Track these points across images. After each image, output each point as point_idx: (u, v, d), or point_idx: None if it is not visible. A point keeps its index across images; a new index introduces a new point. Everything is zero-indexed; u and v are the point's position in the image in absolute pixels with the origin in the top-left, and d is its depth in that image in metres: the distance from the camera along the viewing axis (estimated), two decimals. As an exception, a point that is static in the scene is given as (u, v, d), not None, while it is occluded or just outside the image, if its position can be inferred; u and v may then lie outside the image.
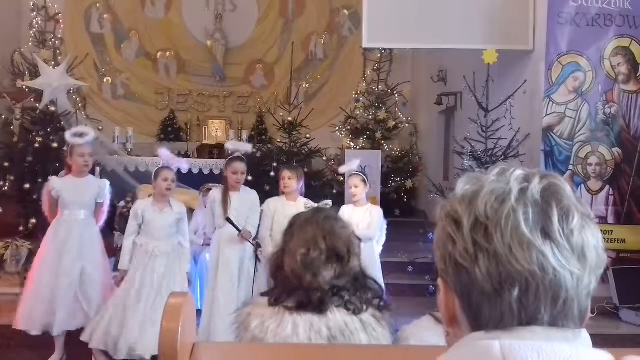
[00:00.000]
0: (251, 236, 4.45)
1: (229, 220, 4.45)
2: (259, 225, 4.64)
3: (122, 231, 6.21)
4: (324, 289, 1.68)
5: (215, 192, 4.69)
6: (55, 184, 4.46)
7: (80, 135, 4.53)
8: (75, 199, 4.43)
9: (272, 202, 4.63)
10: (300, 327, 1.66)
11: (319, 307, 1.68)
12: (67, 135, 4.57)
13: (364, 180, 4.71)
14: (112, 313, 4.23)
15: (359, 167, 4.99)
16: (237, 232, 4.41)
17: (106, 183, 4.71)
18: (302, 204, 4.36)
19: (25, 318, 4.35)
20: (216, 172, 7.89)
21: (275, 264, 1.81)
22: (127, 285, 4.27)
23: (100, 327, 4.22)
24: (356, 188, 4.66)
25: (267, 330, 1.67)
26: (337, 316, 1.69)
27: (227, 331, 4.22)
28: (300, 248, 1.74)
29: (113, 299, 4.32)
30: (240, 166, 4.56)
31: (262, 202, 4.74)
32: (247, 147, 4.89)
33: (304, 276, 1.70)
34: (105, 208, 4.72)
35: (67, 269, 4.36)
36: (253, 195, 4.69)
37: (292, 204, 4.47)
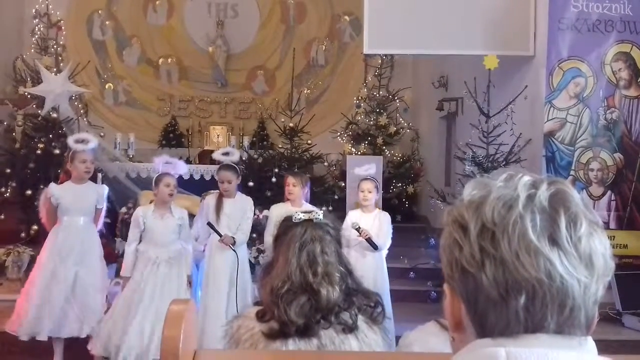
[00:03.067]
0: (233, 242, 4.43)
1: (209, 225, 4.47)
2: (261, 233, 4.64)
3: (124, 237, 6.19)
4: (297, 322, 1.67)
5: (210, 198, 4.69)
6: (55, 190, 4.43)
7: (83, 141, 4.52)
8: (76, 205, 4.42)
9: (277, 209, 4.63)
10: (290, 345, 1.65)
11: (305, 333, 1.68)
12: (70, 141, 4.54)
13: (376, 186, 4.70)
14: (115, 319, 4.23)
15: (375, 172, 4.96)
16: (219, 237, 4.42)
17: (105, 189, 4.70)
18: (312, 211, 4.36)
19: (14, 322, 4.34)
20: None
21: (262, 278, 1.81)
22: (130, 292, 4.26)
23: (103, 334, 4.21)
24: (369, 193, 4.64)
25: (257, 345, 1.66)
26: (327, 332, 1.68)
27: (217, 338, 4.22)
28: (276, 279, 1.74)
29: (114, 305, 4.31)
30: (225, 175, 4.56)
31: (265, 207, 4.73)
32: (233, 157, 4.78)
33: (276, 308, 1.70)
34: (103, 213, 4.71)
35: (61, 274, 4.34)
36: (246, 201, 4.68)
37: (300, 211, 4.46)
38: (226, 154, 4.82)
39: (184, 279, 4.37)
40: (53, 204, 4.41)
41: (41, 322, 4.29)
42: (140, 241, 4.36)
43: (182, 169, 4.71)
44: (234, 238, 4.44)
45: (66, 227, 4.41)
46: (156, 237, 4.31)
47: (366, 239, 4.43)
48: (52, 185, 4.55)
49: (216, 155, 4.89)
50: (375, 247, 4.46)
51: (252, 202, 4.71)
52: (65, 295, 4.34)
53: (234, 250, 4.42)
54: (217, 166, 8.07)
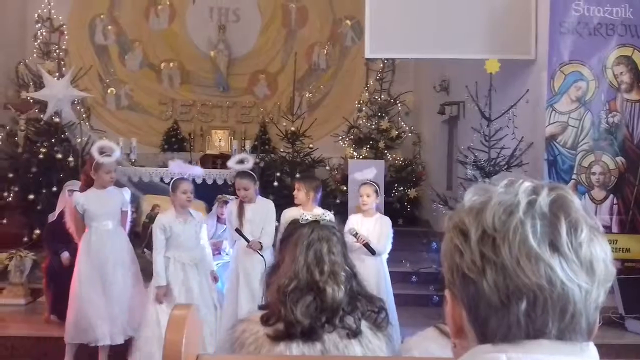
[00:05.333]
0: (260, 247, 4.45)
1: (238, 231, 4.50)
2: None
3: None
4: (302, 322, 1.67)
5: (232, 205, 4.74)
6: (79, 199, 4.47)
7: (106, 151, 4.54)
8: (102, 211, 4.46)
9: (289, 212, 4.65)
10: (294, 349, 1.66)
11: (309, 336, 1.68)
12: (94, 152, 4.54)
13: (376, 191, 4.69)
14: (152, 330, 4.22)
15: (373, 177, 4.95)
16: (247, 242, 4.45)
17: (128, 191, 4.77)
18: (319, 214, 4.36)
19: (75, 332, 4.33)
20: (219, 182, 7.89)
21: (267, 281, 1.82)
22: (167, 301, 4.23)
23: (145, 347, 4.19)
24: (368, 197, 4.63)
25: (261, 348, 1.67)
26: (330, 337, 1.68)
27: None
28: (283, 278, 1.75)
29: (148, 315, 4.28)
30: (241, 183, 4.59)
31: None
32: (248, 165, 4.77)
33: (282, 308, 1.70)
34: (129, 216, 4.79)
35: (101, 280, 4.37)
36: (268, 205, 4.70)
37: (307, 213, 4.46)
38: (241, 161, 4.84)
39: (209, 278, 4.45)
40: (79, 212, 4.44)
41: (94, 330, 4.29)
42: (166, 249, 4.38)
43: (198, 172, 4.76)
44: (260, 243, 4.46)
45: (95, 232, 4.43)
46: (185, 242, 4.36)
47: (363, 244, 4.43)
48: (77, 194, 4.61)
49: (231, 164, 4.90)
50: (373, 252, 4.46)
51: (273, 204, 4.73)
52: (108, 299, 4.36)
53: (260, 254, 4.43)
54: (219, 170, 8.13)
